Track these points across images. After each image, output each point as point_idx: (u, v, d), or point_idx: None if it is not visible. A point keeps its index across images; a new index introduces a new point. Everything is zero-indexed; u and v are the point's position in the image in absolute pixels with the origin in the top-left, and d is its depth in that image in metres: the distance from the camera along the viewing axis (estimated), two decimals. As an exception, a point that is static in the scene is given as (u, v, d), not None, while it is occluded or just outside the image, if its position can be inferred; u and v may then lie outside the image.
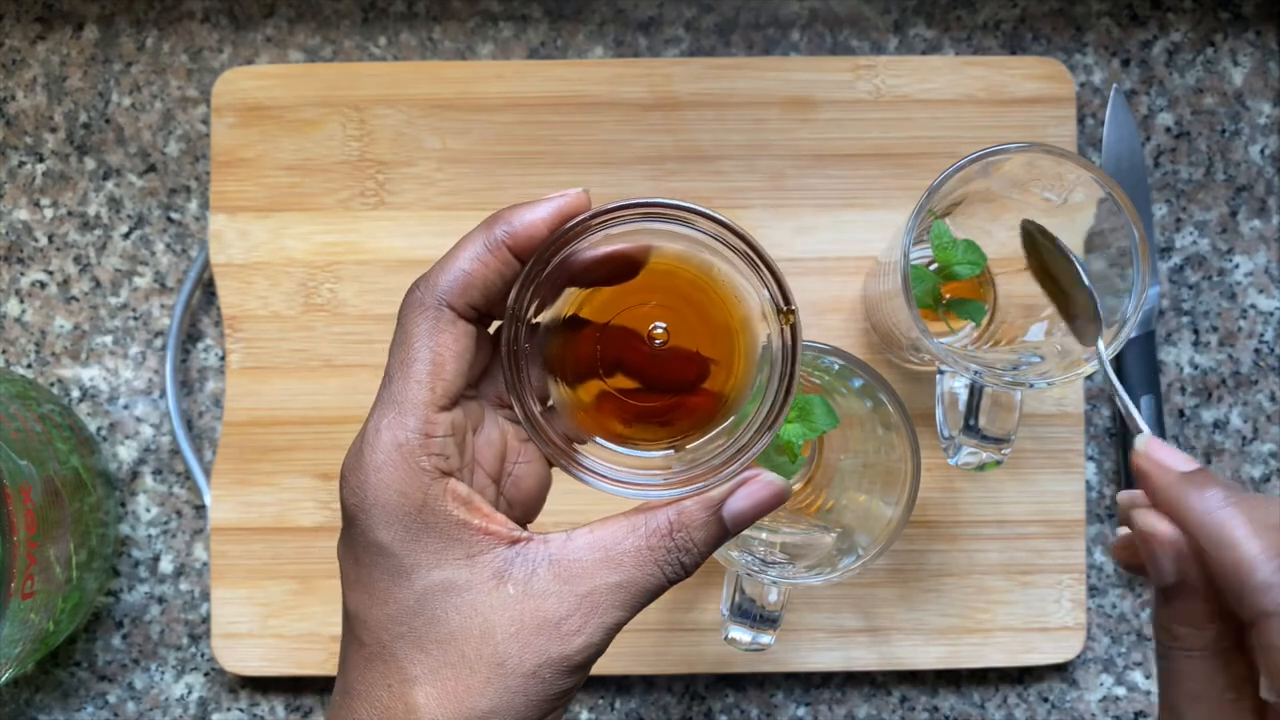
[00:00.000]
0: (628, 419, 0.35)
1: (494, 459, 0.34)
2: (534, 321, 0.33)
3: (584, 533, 0.32)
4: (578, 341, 0.35)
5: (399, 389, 0.32)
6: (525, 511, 0.35)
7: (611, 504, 0.33)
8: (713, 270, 0.35)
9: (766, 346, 0.34)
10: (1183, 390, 0.54)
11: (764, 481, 0.32)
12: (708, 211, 0.32)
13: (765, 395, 0.33)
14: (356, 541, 0.32)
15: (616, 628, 0.32)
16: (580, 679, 0.32)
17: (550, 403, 0.35)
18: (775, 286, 0.32)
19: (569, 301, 0.35)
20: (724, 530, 0.33)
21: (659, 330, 0.35)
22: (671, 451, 0.35)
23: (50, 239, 0.55)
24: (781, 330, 0.32)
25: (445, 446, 0.32)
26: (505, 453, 0.34)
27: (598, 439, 0.35)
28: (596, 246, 0.33)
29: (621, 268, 0.34)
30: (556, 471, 0.35)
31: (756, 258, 0.32)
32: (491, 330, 0.34)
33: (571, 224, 0.32)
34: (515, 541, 0.32)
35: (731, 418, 0.35)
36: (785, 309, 0.32)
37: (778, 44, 0.55)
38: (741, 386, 0.35)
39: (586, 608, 0.31)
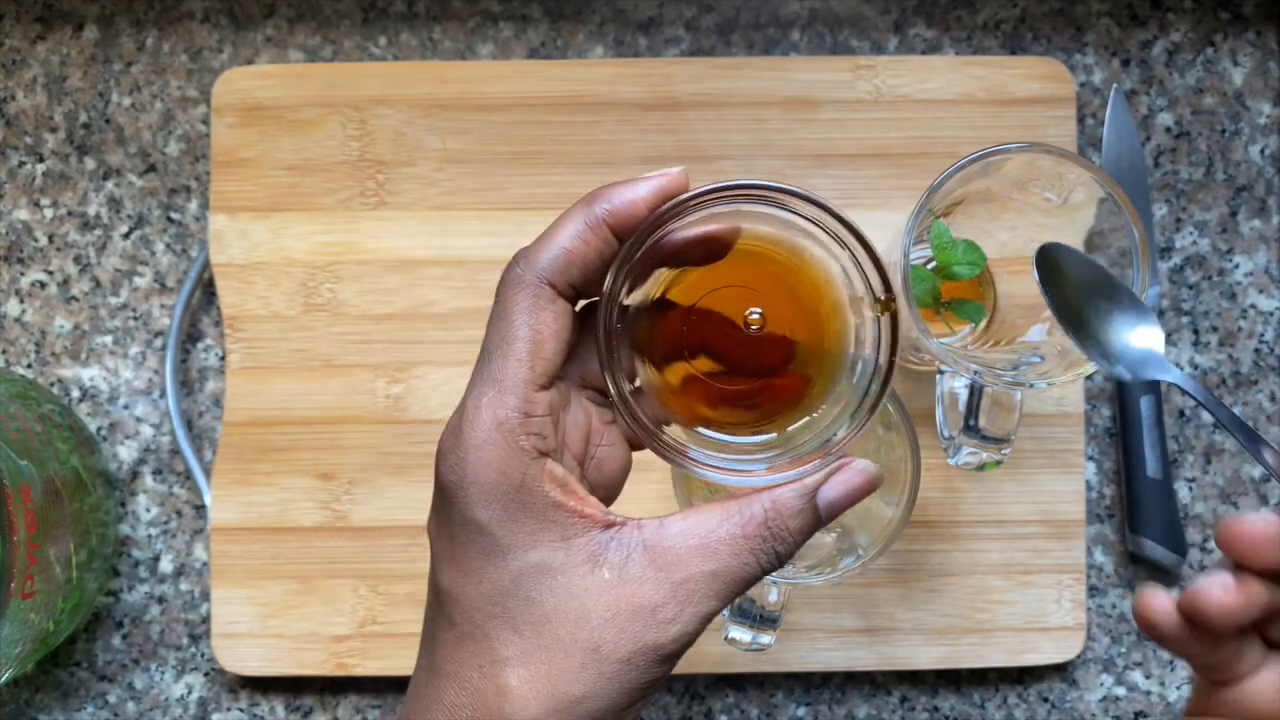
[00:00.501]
0: (713, 402, 0.35)
1: (580, 441, 0.34)
2: (624, 302, 0.33)
3: (677, 519, 0.32)
4: (665, 323, 0.35)
5: (499, 367, 0.31)
6: (605, 495, 0.35)
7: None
8: (803, 253, 0.34)
9: (858, 331, 0.34)
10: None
11: (858, 469, 0.32)
12: (808, 194, 0.31)
13: (859, 383, 0.32)
14: (453, 519, 0.31)
15: (710, 617, 0.31)
16: (670, 668, 0.32)
17: (638, 383, 0.34)
18: (875, 273, 0.32)
19: (658, 282, 0.35)
20: (818, 518, 0.32)
21: (754, 316, 0.34)
22: (774, 436, 0.35)
23: (50, 239, 0.55)
24: (879, 318, 0.32)
25: (544, 426, 0.31)
26: (590, 435, 0.34)
27: (683, 422, 0.35)
28: (688, 228, 0.33)
29: (712, 249, 0.34)
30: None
31: (858, 243, 0.32)
32: (578, 310, 0.34)
33: (670, 204, 0.31)
34: (610, 525, 0.31)
35: (823, 405, 0.34)
36: (885, 297, 0.32)
37: (778, 44, 0.55)
38: (831, 372, 0.35)
39: (682, 596, 0.31)
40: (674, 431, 0.33)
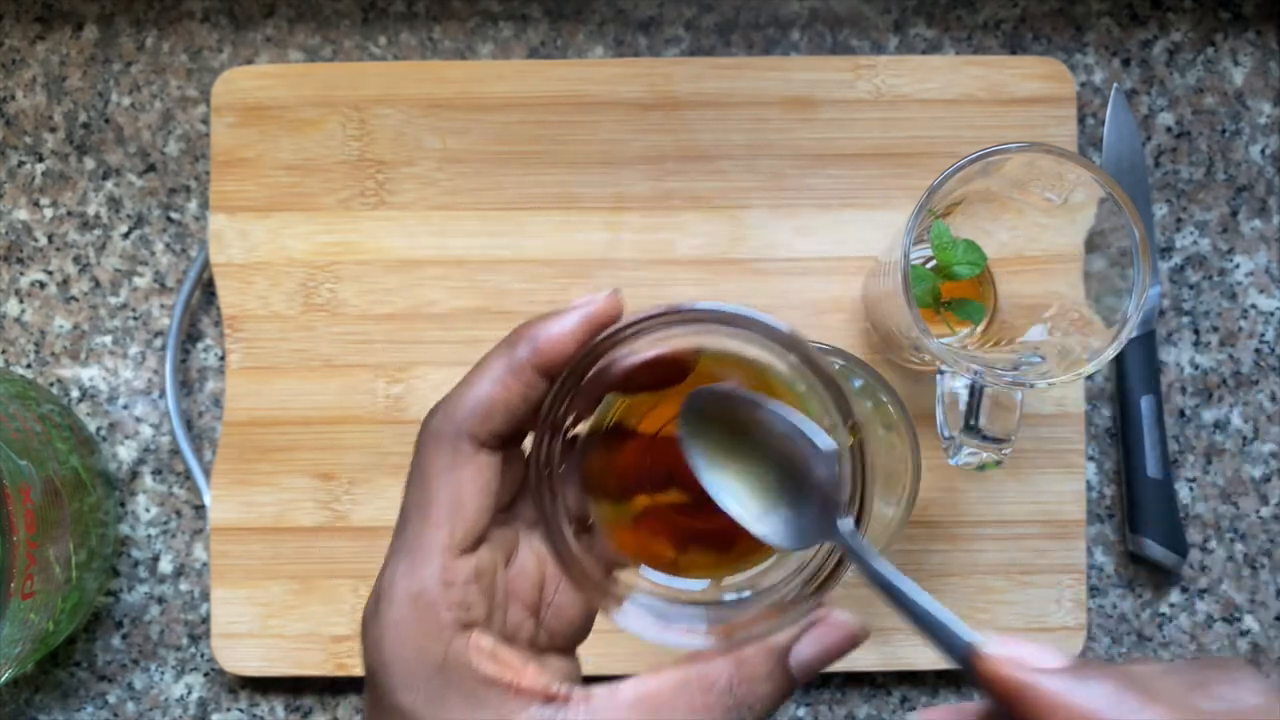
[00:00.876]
0: (681, 542, 0.32)
1: (531, 589, 0.31)
2: (570, 435, 0.30)
3: (630, 686, 0.28)
4: (621, 455, 0.32)
5: (415, 534, 0.29)
6: (567, 642, 0.32)
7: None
8: (770, 371, 0.31)
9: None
10: (1183, 390, 0.54)
11: (836, 623, 0.28)
12: (749, 315, 0.28)
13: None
14: (380, 703, 0.29)
15: None
16: None
17: (591, 523, 0.31)
18: (830, 399, 0.28)
19: (610, 410, 0.32)
20: (791, 682, 0.28)
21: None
22: (738, 581, 0.31)
23: (50, 239, 0.55)
24: (848, 446, 0.28)
25: (467, 595, 0.29)
26: (544, 581, 0.31)
27: (644, 567, 0.31)
28: (637, 352, 0.30)
29: (668, 372, 0.31)
30: None
31: (809, 368, 0.28)
32: (526, 446, 0.31)
33: (602, 337, 0.29)
34: (550, 699, 0.28)
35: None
36: (849, 423, 0.28)
37: (778, 44, 0.55)
38: None
39: None
40: (632, 578, 0.30)
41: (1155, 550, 0.52)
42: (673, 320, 0.28)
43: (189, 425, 0.54)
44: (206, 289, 0.55)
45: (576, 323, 0.29)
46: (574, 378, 0.29)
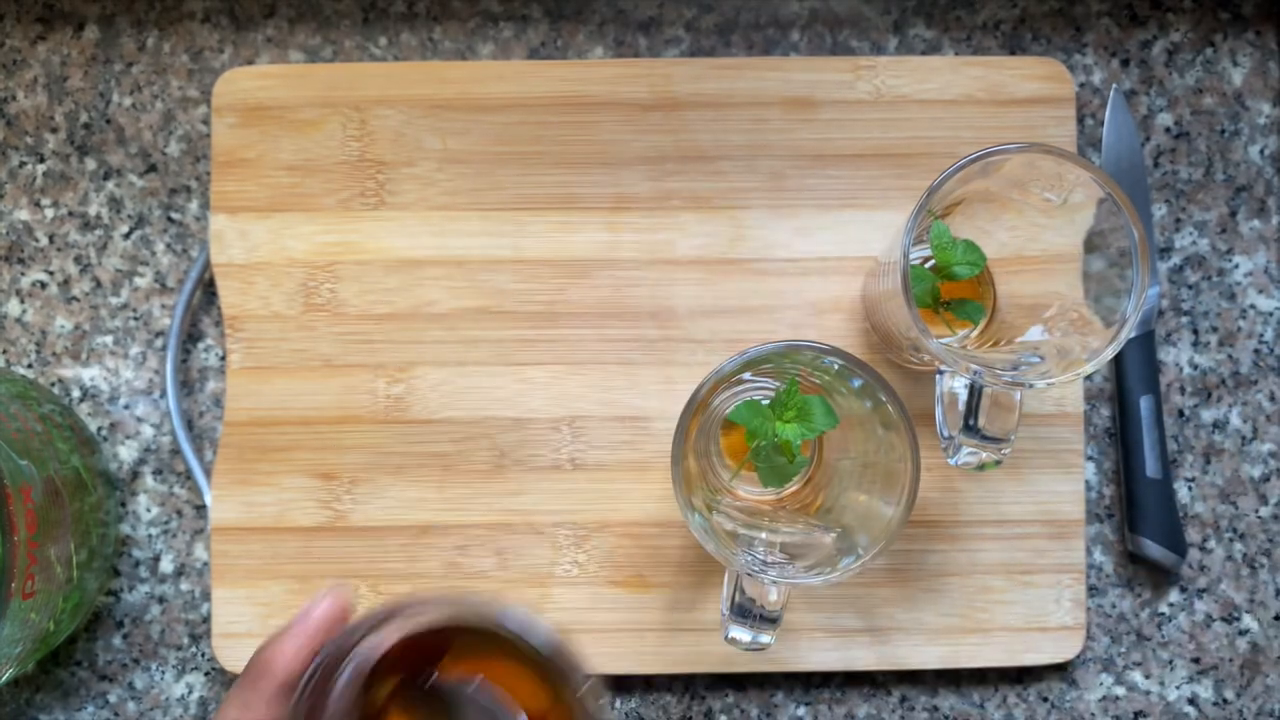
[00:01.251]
0: None
1: None
2: None
3: None
4: None
5: None
6: None
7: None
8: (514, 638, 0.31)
9: None
10: (1182, 390, 0.54)
11: None
12: (460, 609, 0.28)
13: None
14: None
15: None
16: None
17: None
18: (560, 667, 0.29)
19: (380, 691, 0.31)
20: None
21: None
22: None
23: (51, 239, 0.55)
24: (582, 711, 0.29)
25: None
26: None
27: None
28: (379, 646, 0.29)
29: (425, 652, 0.30)
30: None
31: (522, 650, 0.29)
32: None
33: (327, 654, 0.28)
34: None
35: None
36: (576, 689, 0.29)
37: (778, 44, 0.55)
38: None
39: None
40: None
41: (1154, 550, 0.52)
42: (400, 613, 0.28)
43: (189, 425, 0.54)
44: (207, 289, 0.55)
45: (306, 638, 0.29)
46: (316, 693, 0.28)
